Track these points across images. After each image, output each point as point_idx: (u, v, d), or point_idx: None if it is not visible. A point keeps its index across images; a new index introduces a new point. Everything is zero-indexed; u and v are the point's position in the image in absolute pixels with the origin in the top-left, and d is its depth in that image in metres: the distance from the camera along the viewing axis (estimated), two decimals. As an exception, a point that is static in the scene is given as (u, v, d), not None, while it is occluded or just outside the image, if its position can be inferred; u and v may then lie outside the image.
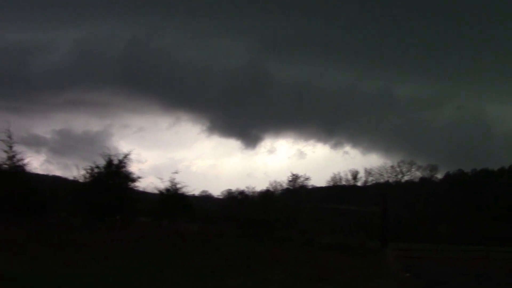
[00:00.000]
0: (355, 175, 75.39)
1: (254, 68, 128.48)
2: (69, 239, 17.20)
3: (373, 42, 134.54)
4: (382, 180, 74.83)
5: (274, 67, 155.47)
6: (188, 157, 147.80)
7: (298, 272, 15.67)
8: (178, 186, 28.30)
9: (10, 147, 23.18)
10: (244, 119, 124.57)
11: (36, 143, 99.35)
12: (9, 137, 23.11)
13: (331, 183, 75.28)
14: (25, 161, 23.65)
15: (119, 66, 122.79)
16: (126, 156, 25.85)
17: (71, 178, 26.26)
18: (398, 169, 74.80)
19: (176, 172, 28.70)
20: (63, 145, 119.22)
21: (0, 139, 23.02)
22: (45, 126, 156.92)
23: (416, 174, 75.70)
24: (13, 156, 23.28)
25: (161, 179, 28.50)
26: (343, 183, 75.19)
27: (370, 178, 75.52)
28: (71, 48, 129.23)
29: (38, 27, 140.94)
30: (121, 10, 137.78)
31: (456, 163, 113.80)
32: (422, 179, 75.10)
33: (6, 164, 23.16)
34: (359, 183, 75.90)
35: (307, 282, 13.89)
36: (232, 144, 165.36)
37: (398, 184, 73.71)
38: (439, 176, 77.00)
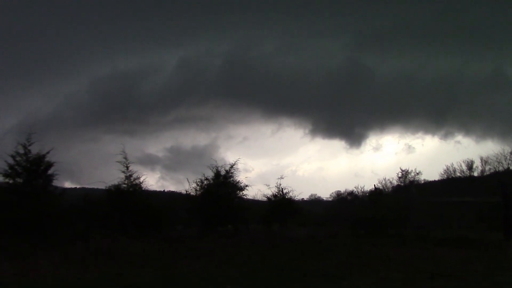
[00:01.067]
0: (470, 166, 71.15)
1: (353, 65, 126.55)
2: (187, 249, 18.03)
3: (477, 22, 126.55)
4: (501, 168, 69.77)
5: (374, 61, 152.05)
6: (294, 162, 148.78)
7: (416, 269, 15.10)
8: (285, 191, 28.62)
9: (127, 167, 24.96)
10: (346, 118, 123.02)
11: (150, 161, 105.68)
12: (125, 158, 24.91)
13: (445, 176, 71.69)
14: (141, 180, 25.31)
15: (220, 79, 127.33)
16: (232, 166, 26.72)
17: (184, 192, 27.53)
18: (518, 154, 69.34)
19: (281, 178, 29.10)
20: (175, 161, 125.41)
21: (117, 161, 24.91)
22: (157, 145, 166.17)
23: (539, 158, 69.59)
24: (130, 176, 25.03)
25: (268, 185, 29.05)
26: (458, 175, 71.23)
27: (488, 167, 70.74)
28: (175, 68, 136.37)
29: (142, 52, 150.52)
30: (219, 24, 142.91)
31: None
32: (547, 162, 68.89)
33: (124, 183, 24.95)
34: (475, 174, 71.45)
35: (427, 279, 13.32)
36: (337, 145, 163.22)
37: (519, 171, 68.33)
38: None
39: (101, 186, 25.78)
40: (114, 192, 24.51)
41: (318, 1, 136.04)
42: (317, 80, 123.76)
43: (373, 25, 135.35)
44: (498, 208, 33.64)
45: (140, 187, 25.30)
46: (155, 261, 15.37)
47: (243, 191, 26.88)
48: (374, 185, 65.07)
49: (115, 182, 24.75)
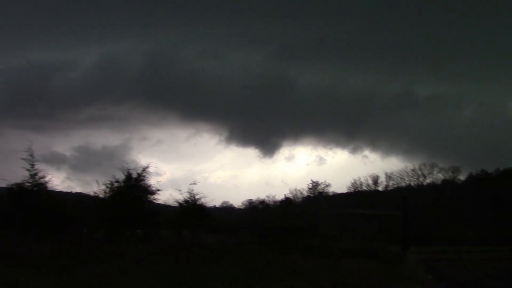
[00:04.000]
0: (375, 180, 74.83)
1: (273, 75, 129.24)
2: (91, 254, 17.38)
3: (393, 44, 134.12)
4: (403, 184, 74.06)
5: (295, 72, 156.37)
6: (207, 168, 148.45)
7: (321, 279, 15.58)
8: (197, 197, 28.36)
9: (32, 165, 23.63)
10: (263, 127, 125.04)
11: (56, 160, 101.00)
12: (31, 155, 23.57)
13: (352, 189, 74.83)
14: (47, 179, 24.07)
15: (140, 79, 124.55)
16: (144, 169, 26.07)
17: (92, 194, 26.50)
18: (419, 172, 74.02)
19: (194, 183, 28.72)
20: (83, 162, 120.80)
21: (22, 158, 23.52)
22: (66, 143, 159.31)
23: (438, 176, 74.79)
24: (35, 174, 23.71)
25: (180, 191, 28.60)
26: (364, 188, 74.65)
27: (391, 182, 74.85)
28: (93, 65, 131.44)
29: (61, 45, 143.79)
30: (140, 24, 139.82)
31: (479, 163, 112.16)
32: (445, 181, 74.07)
33: (28, 182, 23.59)
34: (380, 188, 75.28)
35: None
36: (251, 153, 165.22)
37: (420, 187, 72.87)
38: (462, 177, 75.88)
39: (1, 184, 24.26)
40: (17, 191, 23.12)
41: (247, 9, 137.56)
42: (237, 87, 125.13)
43: (298, 37, 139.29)
44: (398, 221, 35.62)
45: (46, 187, 24.05)
46: (57, 266, 14.65)
47: (155, 196, 26.34)
48: (285, 195, 66.47)
49: (18, 180, 23.38)
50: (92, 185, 26.53)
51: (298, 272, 16.72)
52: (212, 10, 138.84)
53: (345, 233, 35.43)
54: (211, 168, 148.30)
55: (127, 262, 16.22)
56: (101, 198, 25.59)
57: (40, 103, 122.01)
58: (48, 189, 24.18)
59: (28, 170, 23.55)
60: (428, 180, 74.30)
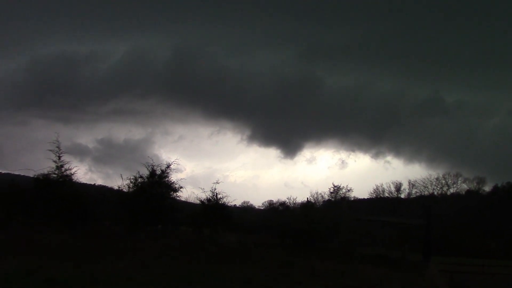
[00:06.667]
0: (398, 187, 73.85)
1: (299, 75, 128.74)
2: (112, 247, 17.60)
3: (422, 49, 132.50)
4: (426, 193, 72.93)
5: (320, 74, 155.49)
6: (228, 167, 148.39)
7: (338, 284, 15.47)
8: (219, 196, 28.47)
9: (59, 157, 24.08)
10: (285, 127, 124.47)
11: (79, 152, 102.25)
12: (58, 147, 24.04)
13: (374, 195, 74.01)
14: (72, 171, 24.51)
15: (166, 74, 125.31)
16: (168, 166, 26.33)
17: (115, 187, 26.87)
18: (443, 181, 72.84)
19: (217, 182, 28.90)
20: (105, 154, 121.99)
21: (49, 149, 23.99)
22: (90, 136, 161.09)
23: (462, 186, 73.44)
24: (61, 166, 24.15)
25: (202, 189, 28.80)
26: (386, 195, 73.75)
27: (414, 190, 73.78)
28: (122, 57, 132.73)
29: (89, 37, 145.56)
30: (169, 19, 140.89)
31: (505, 174, 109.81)
32: (469, 191, 72.75)
33: (54, 173, 24.05)
34: (402, 195, 74.26)
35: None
36: (272, 153, 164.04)
37: (443, 197, 71.68)
38: (487, 189, 74.30)
39: (27, 173, 24.77)
40: (42, 181, 23.58)
41: (276, 8, 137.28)
42: (263, 86, 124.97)
43: (327, 38, 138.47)
44: (420, 230, 35.14)
45: (71, 179, 24.51)
46: (78, 256, 14.89)
47: (177, 193, 26.56)
48: (307, 198, 66.08)
49: (45, 171, 23.85)
50: (114, 178, 27.00)
51: (315, 276, 16.64)
52: (241, 8, 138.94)
53: (365, 239, 35.15)
54: (231, 166, 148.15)
55: (146, 257, 16.39)
56: (125, 192, 25.93)
57: (68, 94, 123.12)
58: (73, 180, 24.64)
59: (54, 161, 24.04)
60: (452, 190, 73.09)
